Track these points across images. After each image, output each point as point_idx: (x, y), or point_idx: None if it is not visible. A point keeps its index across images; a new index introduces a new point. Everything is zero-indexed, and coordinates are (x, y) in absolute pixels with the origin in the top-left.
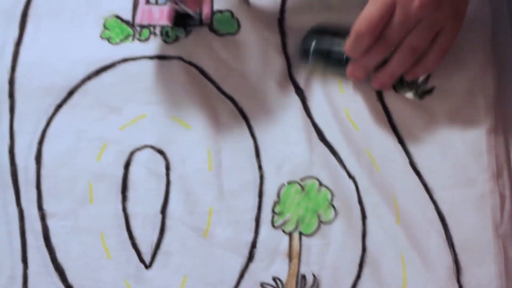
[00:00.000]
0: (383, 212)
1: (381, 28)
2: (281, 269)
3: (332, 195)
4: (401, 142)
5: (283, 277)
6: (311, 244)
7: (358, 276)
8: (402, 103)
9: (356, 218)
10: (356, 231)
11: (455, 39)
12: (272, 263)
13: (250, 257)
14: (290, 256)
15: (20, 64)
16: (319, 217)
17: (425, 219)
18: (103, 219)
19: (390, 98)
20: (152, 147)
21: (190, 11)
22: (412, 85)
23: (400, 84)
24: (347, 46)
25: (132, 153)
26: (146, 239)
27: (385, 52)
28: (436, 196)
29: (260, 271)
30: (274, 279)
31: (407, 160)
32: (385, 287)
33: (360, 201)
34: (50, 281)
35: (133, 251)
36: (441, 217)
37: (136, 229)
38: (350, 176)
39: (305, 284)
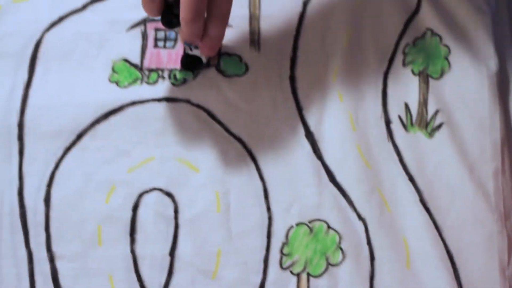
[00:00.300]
0: (393, 255)
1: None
2: None
3: (340, 237)
4: (412, 180)
5: None
6: (318, 285)
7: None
8: (412, 142)
9: (365, 259)
10: (364, 272)
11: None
12: None
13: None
14: None
15: (29, 107)
16: (327, 259)
17: (435, 257)
18: (111, 261)
19: (401, 138)
20: (161, 190)
21: (201, 55)
22: (422, 123)
23: (410, 124)
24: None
25: (140, 196)
26: (154, 281)
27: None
28: (445, 235)
29: None
30: None
31: (417, 198)
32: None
33: (369, 243)
34: None
35: None
36: (450, 256)
37: (144, 271)
38: (360, 217)
39: None
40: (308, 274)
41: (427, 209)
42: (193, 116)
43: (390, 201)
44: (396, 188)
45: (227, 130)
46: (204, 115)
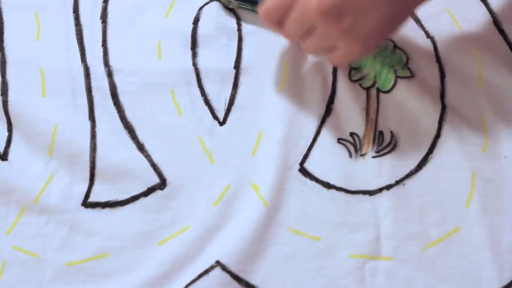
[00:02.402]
0: (465, 72)
1: (278, 18)
2: (359, 125)
3: (408, 57)
4: (484, 0)
5: (361, 133)
6: (389, 100)
7: (438, 135)
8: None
9: (435, 77)
10: (434, 89)
11: (348, 61)
12: (350, 118)
13: (328, 112)
14: (367, 111)
15: None
16: (396, 72)
17: (509, 78)
18: (173, 75)
19: None
20: (219, 1)
21: None
22: None
23: None
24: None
25: (201, 9)
26: (219, 95)
27: (290, 39)
28: None
29: (337, 126)
30: (352, 134)
31: (490, 19)
32: (466, 147)
33: (439, 60)
34: (119, 138)
35: (205, 108)
36: None
37: (208, 85)
38: (428, 36)
39: (382, 140)
40: (378, 90)
41: (501, 31)
42: None
43: (461, 20)
44: (467, 9)
45: None
46: None
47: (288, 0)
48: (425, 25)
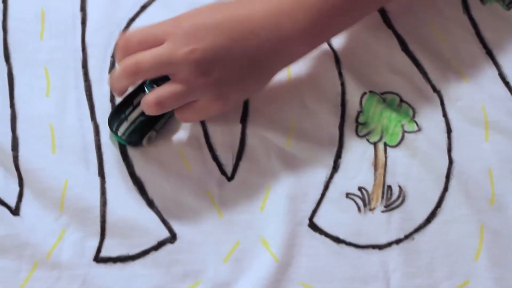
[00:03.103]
0: (471, 126)
1: (131, 50)
2: (367, 180)
3: (414, 111)
4: (489, 53)
5: (369, 188)
6: (396, 155)
7: (446, 189)
8: (488, 15)
9: (441, 131)
10: (441, 144)
11: (201, 117)
12: (358, 173)
13: (335, 167)
14: (375, 166)
15: None
16: (402, 127)
17: None
18: (181, 132)
19: (477, 10)
20: None
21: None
22: None
23: None
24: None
25: None
26: (226, 150)
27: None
28: None
29: (346, 181)
30: (360, 189)
31: (496, 72)
32: (473, 200)
33: (445, 115)
34: (129, 194)
35: (214, 163)
36: None
37: (216, 141)
38: (435, 90)
39: (391, 195)
40: (385, 144)
41: (506, 83)
42: None
43: (468, 73)
44: (472, 61)
45: None
46: None
47: (153, 35)
48: (431, 79)
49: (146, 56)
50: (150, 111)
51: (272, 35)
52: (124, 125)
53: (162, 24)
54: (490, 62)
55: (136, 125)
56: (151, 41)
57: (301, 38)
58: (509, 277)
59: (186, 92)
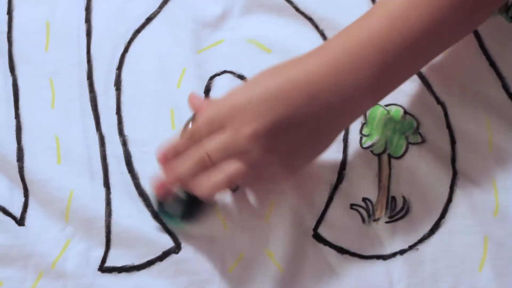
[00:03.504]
0: (475, 137)
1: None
2: (371, 191)
3: (418, 123)
4: (493, 65)
5: (373, 198)
6: (400, 166)
7: (450, 200)
8: (492, 27)
9: (445, 143)
10: (445, 155)
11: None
12: (362, 184)
13: (339, 179)
14: (379, 177)
15: None
16: (407, 138)
17: None
18: None
19: None
20: (232, 73)
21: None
22: (502, 8)
23: None
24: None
25: (211, 79)
26: None
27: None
28: None
29: (350, 192)
30: (364, 200)
31: (499, 84)
32: (477, 211)
33: (449, 127)
34: (134, 205)
35: None
36: None
37: None
38: (439, 102)
39: (395, 206)
40: (389, 156)
41: (510, 95)
42: None
43: (471, 86)
44: (476, 74)
45: (297, 9)
46: None
47: (217, 122)
48: (435, 91)
49: (214, 147)
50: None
51: (333, 95)
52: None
53: (220, 106)
54: (494, 74)
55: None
56: (216, 128)
57: (365, 94)
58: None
59: (254, 171)
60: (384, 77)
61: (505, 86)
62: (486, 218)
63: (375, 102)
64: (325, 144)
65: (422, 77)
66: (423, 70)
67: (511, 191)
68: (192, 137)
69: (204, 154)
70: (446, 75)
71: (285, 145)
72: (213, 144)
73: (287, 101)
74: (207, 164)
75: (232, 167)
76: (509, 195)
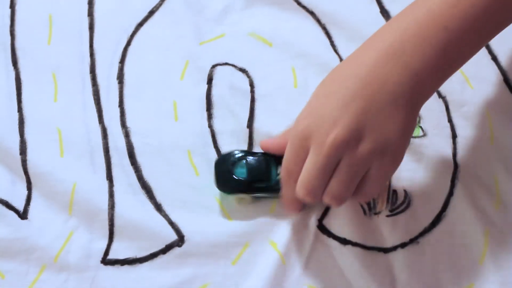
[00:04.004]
0: (476, 131)
1: (298, 173)
2: None
3: (419, 117)
4: (495, 59)
5: None
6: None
7: (451, 193)
8: None
9: (446, 137)
10: (446, 149)
11: (382, 186)
12: None
13: None
14: None
15: None
16: None
17: None
18: (189, 136)
19: None
20: (234, 66)
21: None
22: None
23: None
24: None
25: (213, 67)
26: None
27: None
28: None
29: None
30: None
31: (501, 78)
32: (479, 205)
33: (450, 120)
34: (137, 198)
35: None
36: None
37: (224, 145)
38: (440, 95)
39: (396, 199)
40: None
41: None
42: None
43: (472, 79)
44: (478, 68)
45: (298, 3)
46: None
47: (298, 149)
48: None
49: (311, 176)
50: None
51: (402, 77)
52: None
53: (295, 136)
54: (496, 68)
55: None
56: (301, 154)
57: (432, 73)
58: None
59: (357, 172)
60: (449, 56)
61: (506, 80)
62: (487, 212)
63: (443, 80)
64: (409, 124)
65: None
66: None
67: (510, 184)
68: (289, 174)
69: (307, 187)
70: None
71: (371, 135)
72: (309, 174)
73: (359, 95)
74: (314, 193)
75: (334, 179)
76: (510, 188)
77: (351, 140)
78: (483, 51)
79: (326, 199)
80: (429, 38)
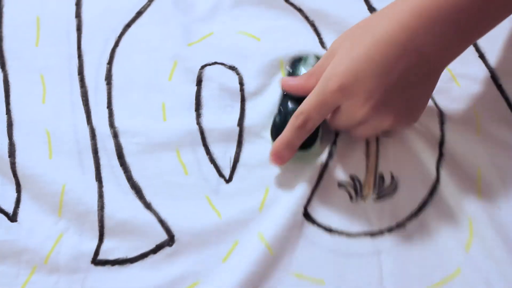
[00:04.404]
0: (463, 125)
1: (313, 124)
2: (359, 168)
3: None
4: (482, 57)
5: (361, 176)
6: (388, 143)
7: (437, 180)
8: None
9: (434, 122)
10: (434, 134)
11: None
12: (350, 161)
13: (330, 154)
14: (367, 153)
15: None
16: None
17: (507, 131)
18: (177, 135)
19: None
20: (223, 64)
21: None
22: None
23: None
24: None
25: (202, 68)
26: (224, 153)
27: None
28: None
29: (338, 170)
30: (352, 177)
31: (489, 74)
32: (463, 194)
33: (437, 107)
34: (127, 198)
35: (211, 166)
36: None
37: (213, 144)
38: None
39: (383, 183)
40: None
41: (499, 86)
42: None
43: (459, 76)
44: (465, 65)
45: (286, 0)
46: None
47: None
48: None
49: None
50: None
51: (413, 44)
52: None
53: (325, 89)
54: (483, 65)
55: None
56: (327, 112)
57: (446, 47)
58: (499, 270)
59: (377, 131)
60: (460, 33)
61: (493, 77)
62: (470, 203)
63: (460, 51)
64: (431, 87)
65: None
66: None
67: (494, 178)
68: (302, 125)
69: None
70: None
71: (399, 103)
72: (336, 122)
73: (378, 64)
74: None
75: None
76: (492, 180)
77: (382, 112)
78: (470, 48)
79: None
80: (437, 18)
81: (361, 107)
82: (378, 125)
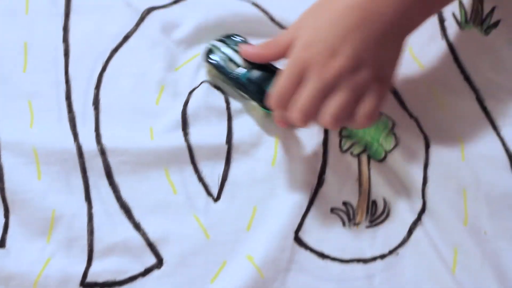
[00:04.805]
0: (447, 148)
1: (289, 99)
2: (352, 194)
3: (393, 123)
4: (467, 79)
5: (354, 202)
6: (380, 167)
7: (424, 204)
8: (467, 40)
9: (420, 146)
10: (419, 159)
11: (381, 103)
12: (342, 188)
13: (320, 183)
14: (360, 181)
15: (73, 12)
16: (382, 145)
17: (491, 156)
18: (165, 154)
19: (455, 35)
20: (209, 83)
21: None
22: (476, 21)
23: (464, 21)
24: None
25: (190, 93)
26: (212, 171)
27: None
28: (503, 133)
29: (330, 196)
30: (345, 204)
31: (474, 96)
32: (447, 221)
33: (422, 131)
34: (116, 219)
35: (200, 184)
36: (509, 155)
37: (201, 162)
38: (411, 116)
39: (375, 209)
40: (369, 157)
41: (484, 108)
42: None
43: (445, 99)
44: (451, 86)
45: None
46: None
47: (296, 76)
48: (408, 106)
49: (310, 101)
50: (331, 127)
51: (397, 9)
52: None
53: (296, 58)
54: (468, 87)
55: None
56: (296, 82)
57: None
58: None
59: (355, 96)
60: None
61: (479, 99)
62: (456, 228)
63: (431, 13)
64: (401, 51)
65: (395, 92)
66: (396, 84)
67: (480, 202)
68: (282, 100)
69: (301, 113)
70: (420, 89)
71: (369, 58)
72: (305, 99)
73: (358, 28)
74: (309, 118)
75: (332, 102)
76: (478, 205)
77: (352, 67)
78: (455, 70)
79: (324, 120)
80: None
81: (329, 67)
82: (354, 84)
